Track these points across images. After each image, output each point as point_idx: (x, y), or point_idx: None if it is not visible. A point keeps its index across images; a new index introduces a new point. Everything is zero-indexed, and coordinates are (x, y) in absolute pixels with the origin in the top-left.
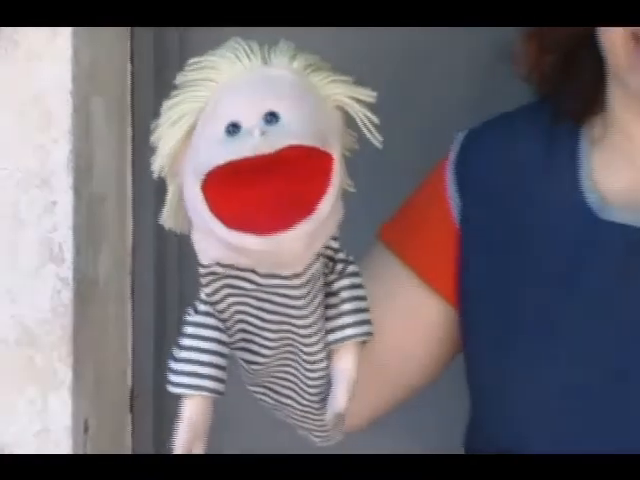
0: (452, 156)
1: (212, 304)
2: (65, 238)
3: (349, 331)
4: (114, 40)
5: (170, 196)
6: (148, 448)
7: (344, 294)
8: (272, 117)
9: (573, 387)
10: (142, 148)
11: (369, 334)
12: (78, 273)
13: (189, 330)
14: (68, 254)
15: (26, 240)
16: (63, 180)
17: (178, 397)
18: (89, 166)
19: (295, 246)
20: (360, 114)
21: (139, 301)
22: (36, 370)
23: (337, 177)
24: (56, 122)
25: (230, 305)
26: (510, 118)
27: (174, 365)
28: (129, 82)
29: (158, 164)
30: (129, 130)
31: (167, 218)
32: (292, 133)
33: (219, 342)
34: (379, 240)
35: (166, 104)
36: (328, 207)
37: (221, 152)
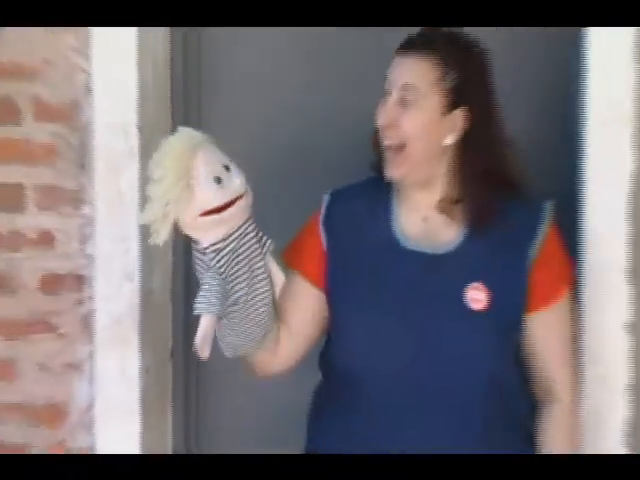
0: (322, 210)
1: (215, 270)
2: (134, 266)
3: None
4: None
5: (167, 228)
6: (181, 381)
7: (267, 243)
8: (227, 167)
9: (382, 341)
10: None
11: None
12: (142, 289)
13: (205, 283)
14: (136, 275)
15: (114, 268)
16: (134, 245)
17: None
18: (146, 234)
19: (246, 200)
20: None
21: (175, 300)
22: (119, 339)
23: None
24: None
25: (224, 264)
26: (359, 185)
27: (197, 299)
28: None
29: (167, 215)
30: None
31: (164, 236)
32: (238, 173)
33: (222, 287)
34: (282, 258)
35: (156, 183)
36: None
37: (220, 195)
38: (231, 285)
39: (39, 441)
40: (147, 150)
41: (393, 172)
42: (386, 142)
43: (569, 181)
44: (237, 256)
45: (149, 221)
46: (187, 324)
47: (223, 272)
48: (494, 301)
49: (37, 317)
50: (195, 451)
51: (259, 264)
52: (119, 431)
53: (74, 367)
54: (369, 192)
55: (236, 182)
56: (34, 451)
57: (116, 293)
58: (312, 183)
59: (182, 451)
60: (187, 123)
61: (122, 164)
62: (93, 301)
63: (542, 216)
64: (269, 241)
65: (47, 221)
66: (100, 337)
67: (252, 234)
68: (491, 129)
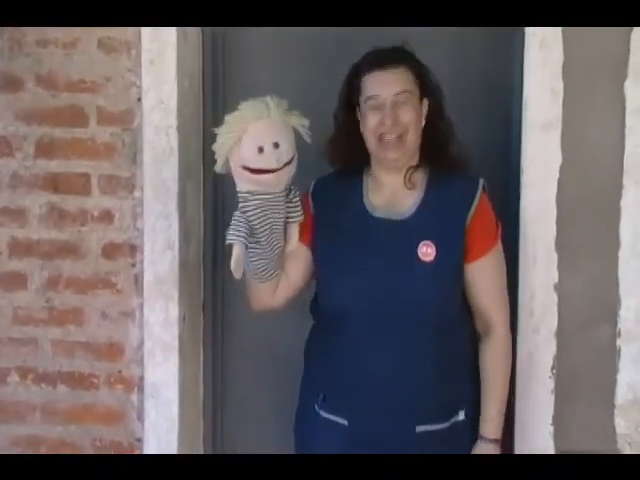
0: (311, 189)
1: (243, 212)
2: (175, 238)
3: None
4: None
5: (222, 163)
6: (209, 327)
7: (295, 199)
8: (276, 145)
9: (354, 285)
10: (207, 205)
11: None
12: (180, 255)
13: (234, 219)
14: (176, 246)
15: (159, 239)
16: (174, 221)
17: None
18: (183, 212)
19: (283, 177)
20: (304, 132)
21: (206, 265)
22: (163, 293)
23: (295, 159)
24: (171, 195)
25: (251, 213)
26: (335, 173)
27: (229, 231)
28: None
29: (222, 155)
30: (202, 197)
31: (221, 169)
32: (285, 155)
33: (246, 225)
34: None
35: (222, 129)
36: (293, 167)
37: (257, 161)
38: (255, 227)
39: (101, 371)
40: (184, 147)
41: (393, 154)
42: (387, 137)
43: (509, 172)
44: (262, 211)
45: (214, 148)
46: (214, 284)
47: (249, 216)
48: (440, 254)
49: (100, 276)
50: (221, 377)
51: (278, 225)
52: (162, 364)
53: (128, 315)
54: (344, 177)
55: (272, 159)
56: (100, 379)
57: (160, 258)
58: (308, 175)
59: (210, 380)
60: (215, 126)
61: (165, 158)
62: (143, 264)
63: (476, 188)
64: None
65: (107, 202)
66: (148, 292)
67: (280, 205)
68: (442, 113)
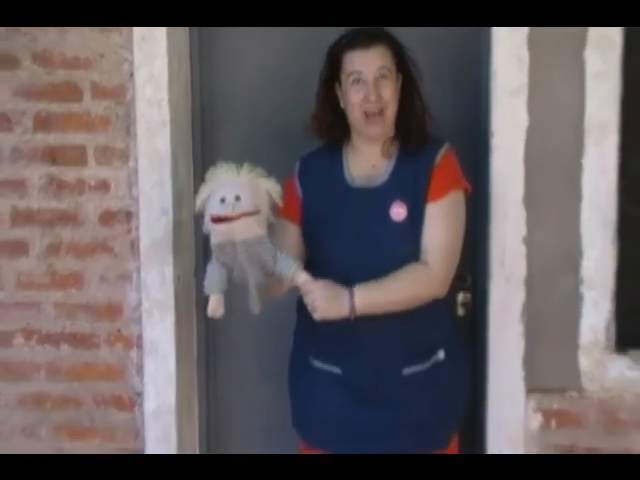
0: (296, 170)
1: (217, 259)
2: (168, 204)
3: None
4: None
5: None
6: (202, 285)
7: (282, 255)
8: (238, 198)
9: (340, 249)
10: (197, 172)
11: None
12: (174, 218)
13: (208, 269)
14: (170, 211)
15: (153, 206)
16: (167, 188)
17: None
18: (175, 180)
19: (239, 227)
20: (274, 193)
21: (198, 229)
22: (157, 257)
23: (258, 217)
24: (164, 164)
25: (223, 260)
26: (318, 150)
27: (204, 282)
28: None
29: (197, 205)
30: (192, 165)
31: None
32: (244, 206)
33: (220, 273)
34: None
35: (200, 188)
36: (253, 220)
37: (218, 209)
38: (230, 275)
39: (101, 331)
40: (175, 119)
41: (375, 130)
42: (370, 111)
43: (479, 136)
44: (232, 261)
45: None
46: (206, 246)
47: (221, 264)
48: (411, 213)
49: (98, 242)
50: (213, 333)
51: (252, 275)
52: (159, 323)
53: (125, 277)
54: (326, 153)
55: (229, 208)
56: (100, 339)
57: (155, 224)
58: (288, 151)
59: (203, 336)
60: (202, 99)
61: (157, 129)
62: (138, 230)
63: (441, 146)
64: (295, 264)
65: (103, 172)
66: (144, 255)
67: (242, 255)
68: (416, 86)
